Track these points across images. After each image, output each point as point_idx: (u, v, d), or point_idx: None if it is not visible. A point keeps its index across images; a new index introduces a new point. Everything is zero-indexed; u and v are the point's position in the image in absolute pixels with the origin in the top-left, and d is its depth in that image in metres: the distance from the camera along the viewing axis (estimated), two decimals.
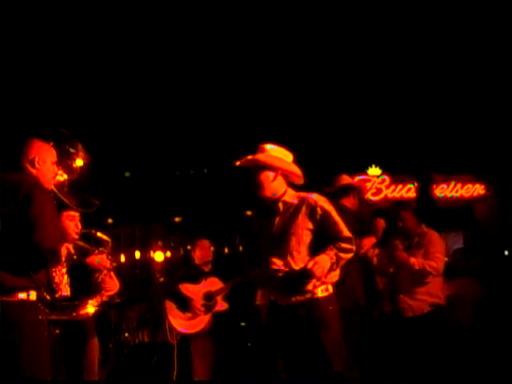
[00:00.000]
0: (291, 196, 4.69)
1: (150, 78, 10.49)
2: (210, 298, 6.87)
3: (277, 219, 4.66)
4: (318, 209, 4.58)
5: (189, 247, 7.37)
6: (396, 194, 13.10)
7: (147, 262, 12.41)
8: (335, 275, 4.59)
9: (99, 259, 5.25)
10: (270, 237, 4.64)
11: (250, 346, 7.89)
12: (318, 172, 12.56)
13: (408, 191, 13.16)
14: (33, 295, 4.12)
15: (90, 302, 5.33)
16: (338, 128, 12.13)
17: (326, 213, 4.57)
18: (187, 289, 6.88)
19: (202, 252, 7.04)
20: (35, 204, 4.10)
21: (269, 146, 4.76)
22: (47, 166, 4.43)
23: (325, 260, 4.40)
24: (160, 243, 12.85)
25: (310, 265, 4.34)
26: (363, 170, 13.12)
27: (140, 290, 10.44)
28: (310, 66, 10.59)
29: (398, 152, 12.45)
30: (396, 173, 13.17)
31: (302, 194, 4.69)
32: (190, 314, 6.87)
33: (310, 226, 4.55)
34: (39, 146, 4.46)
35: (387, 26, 9.57)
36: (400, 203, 9.54)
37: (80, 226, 5.51)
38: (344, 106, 11.63)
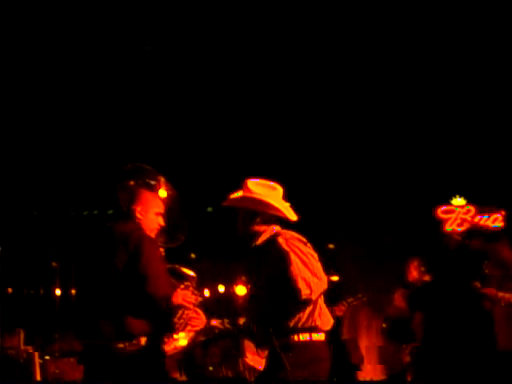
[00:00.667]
0: (264, 239, 4.44)
1: (227, 116, 10.64)
2: None
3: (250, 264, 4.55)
4: (274, 249, 4.30)
5: None
6: (482, 224, 12.76)
7: (231, 296, 12.41)
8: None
9: (184, 295, 5.22)
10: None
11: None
12: (404, 204, 12.49)
13: (495, 221, 12.80)
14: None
15: (181, 335, 5.29)
16: (422, 159, 11.98)
17: (277, 254, 4.25)
18: None
19: None
20: (144, 255, 4.19)
21: (251, 183, 4.53)
22: (150, 216, 4.49)
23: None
24: (243, 278, 12.85)
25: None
26: (447, 201, 12.87)
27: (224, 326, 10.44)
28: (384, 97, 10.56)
29: (482, 181, 12.17)
30: (481, 202, 12.85)
31: (276, 234, 4.41)
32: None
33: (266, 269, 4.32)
34: (144, 195, 4.54)
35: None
36: (492, 235, 9.30)
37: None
38: (427, 136, 11.51)
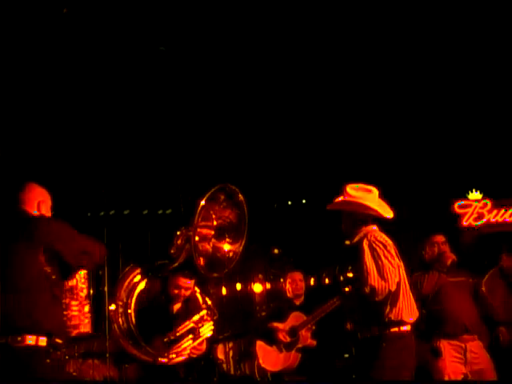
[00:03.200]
0: (360, 237, 5.07)
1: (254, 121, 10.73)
2: (293, 333, 6.77)
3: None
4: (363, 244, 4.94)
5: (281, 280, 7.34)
6: (499, 219, 12.69)
7: (248, 295, 12.46)
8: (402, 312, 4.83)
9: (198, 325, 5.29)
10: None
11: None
12: (420, 199, 12.45)
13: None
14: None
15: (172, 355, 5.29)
16: (437, 153, 11.94)
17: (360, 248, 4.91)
18: (275, 327, 6.81)
19: (292, 285, 6.94)
20: None
21: (349, 187, 5.15)
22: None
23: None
24: (261, 276, 12.89)
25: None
26: (463, 195, 12.82)
27: (242, 324, 10.49)
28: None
29: (499, 174, 12.10)
30: (498, 196, 12.78)
31: (368, 233, 5.07)
32: (277, 351, 6.83)
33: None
34: (41, 190, 4.75)
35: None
36: None
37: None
38: (442, 130, 11.47)
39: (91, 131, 10.47)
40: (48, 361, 4.30)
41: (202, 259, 4.74)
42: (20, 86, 9.14)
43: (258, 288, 11.90)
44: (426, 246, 6.22)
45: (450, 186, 12.42)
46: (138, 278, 5.17)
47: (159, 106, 10.24)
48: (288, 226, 12.91)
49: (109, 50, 9.01)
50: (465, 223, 12.51)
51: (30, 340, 4.18)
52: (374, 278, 4.71)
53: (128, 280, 5.16)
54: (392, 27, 9.07)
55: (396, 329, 4.78)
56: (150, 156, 10.96)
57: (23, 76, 8.99)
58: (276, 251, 13.44)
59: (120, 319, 5.09)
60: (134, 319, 5.09)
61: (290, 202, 13.91)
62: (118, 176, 10.95)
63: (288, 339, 6.78)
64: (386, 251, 4.87)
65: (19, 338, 4.18)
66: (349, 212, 5.08)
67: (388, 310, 4.80)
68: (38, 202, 4.63)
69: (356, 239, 5.03)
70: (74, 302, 4.90)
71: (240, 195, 4.96)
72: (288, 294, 7.06)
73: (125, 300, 5.11)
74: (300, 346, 6.78)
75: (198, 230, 4.81)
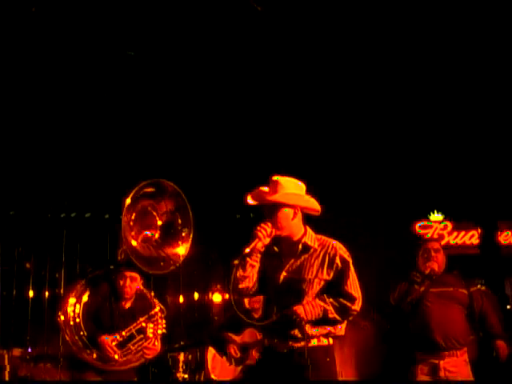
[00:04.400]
0: (312, 239, 4.27)
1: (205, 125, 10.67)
2: (244, 349, 6.74)
3: (291, 261, 4.26)
4: (338, 259, 4.20)
5: None
6: (458, 241, 12.87)
7: (206, 304, 12.39)
8: (341, 329, 4.23)
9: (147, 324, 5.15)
10: (281, 279, 4.27)
11: None
12: (382, 219, 12.53)
13: (471, 238, 12.91)
14: None
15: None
16: (400, 174, 12.03)
17: (344, 264, 4.18)
18: (229, 337, 6.77)
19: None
20: None
21: (283, 180, 4.24)
22: None
23: (314, 305, 4.11)
24: (219, 286, 12.83)
25: (296, 307, 4.09)
26: (425, 216, 12.96)
27: (198, 334, 10.43)
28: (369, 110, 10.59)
29: (460, 197, 12.25)
30: (459, 219, 12.96)
31: (323, 239, 4.29)
32: (226, 362, 6.78)
33: (326, 275, 4.19)
34: None
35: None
36: None
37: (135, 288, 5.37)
38: (405, 152, 11.55)
39: (53, 132, 10.36)
40: None
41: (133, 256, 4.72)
42: None
43: (217, 298, 11.83)
44: (419, 255, 5.61)
45: (411, 206, 12.53)
46: (86, 285, 5.14)
47: (115, 110, 10.16)
48: (249, 236, 12.87)
49: (61, 60, 8.94)
50: None
51: None
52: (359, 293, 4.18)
53: (76, 286, 5.12)
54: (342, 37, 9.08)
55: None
56: (114, 161, 10.87)
57: None
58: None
59: (69, 325, 5.03)
60: (82, 324, 5.03)
61: (252, 215, 13.89)
62: (81, 179, 10.84)
63: (238, 354, 6.72)
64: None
65: None
66: (295, 208, 4.19)
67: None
68: None
69: (311, 239, 4.23)
70: None
71: (172, 184, 4.85)
72: (246, 306, 6.99)
73: (74, 306, 5.05)
74: (248, 363, 6.75)
75: (136, 230, 4.78)
